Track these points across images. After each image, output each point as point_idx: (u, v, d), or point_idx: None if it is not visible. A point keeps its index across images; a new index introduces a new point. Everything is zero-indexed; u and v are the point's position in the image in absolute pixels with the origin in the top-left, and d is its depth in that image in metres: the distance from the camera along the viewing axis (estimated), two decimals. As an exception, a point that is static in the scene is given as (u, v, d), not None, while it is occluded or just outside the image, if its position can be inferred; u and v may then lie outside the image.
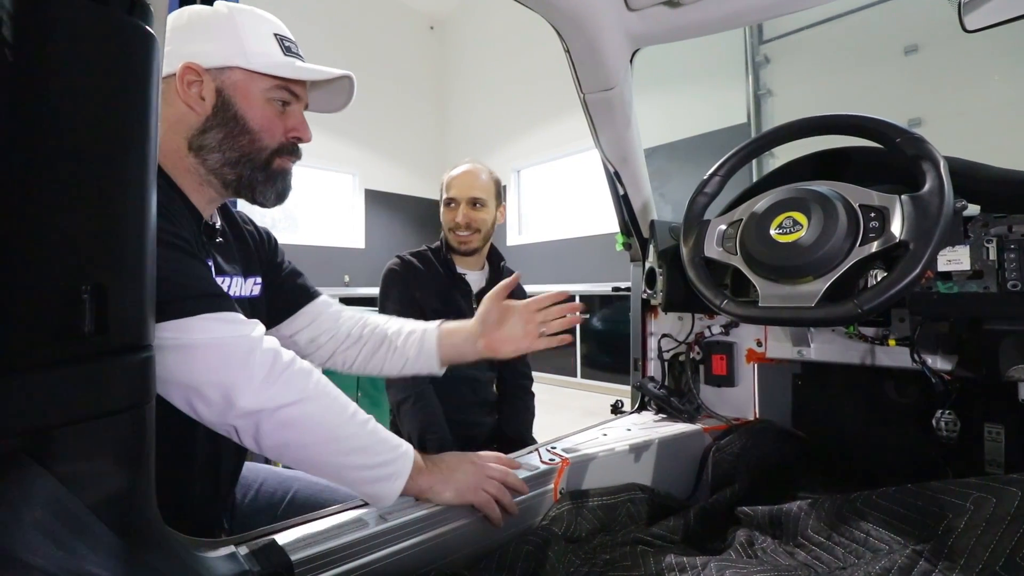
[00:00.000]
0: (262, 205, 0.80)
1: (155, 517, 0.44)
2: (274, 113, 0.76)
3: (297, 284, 0.96)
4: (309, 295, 0.97)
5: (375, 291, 1.48)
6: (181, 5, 1.29)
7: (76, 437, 0.37)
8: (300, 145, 0.80)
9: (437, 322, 1.00)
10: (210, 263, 0.76)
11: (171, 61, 0.70)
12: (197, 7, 0.74)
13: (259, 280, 0.89)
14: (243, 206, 1.09)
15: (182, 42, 0.71)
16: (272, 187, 0.78)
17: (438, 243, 1.52)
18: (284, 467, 1.20)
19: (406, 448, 0.71)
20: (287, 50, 0.75)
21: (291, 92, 0.76)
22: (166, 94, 0.71)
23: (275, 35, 0.75)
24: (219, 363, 0.60)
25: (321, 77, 0.78)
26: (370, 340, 0.99)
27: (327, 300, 1.00)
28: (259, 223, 0.97)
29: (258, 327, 0.65)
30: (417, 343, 0.98)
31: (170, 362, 0.58)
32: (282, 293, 0.93)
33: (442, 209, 1.50)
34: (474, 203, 1.44)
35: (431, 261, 1.48)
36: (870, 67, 3.38)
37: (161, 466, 0.47)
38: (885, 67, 3.31)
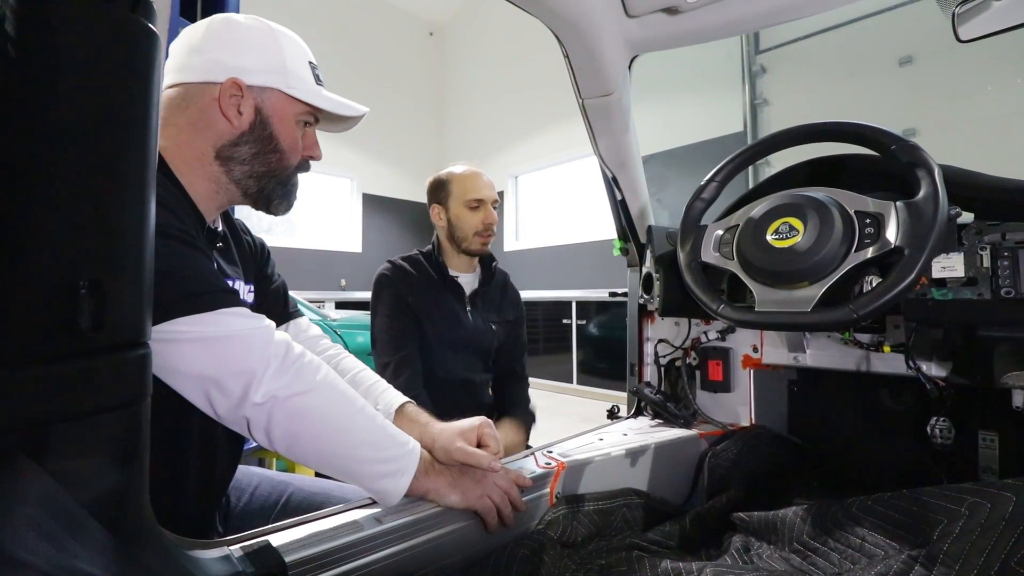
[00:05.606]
0: (274, 214, 0.83)
1: (148, 516, 0.44)
2: (299, 134, 0.79)
3: (283, 299, 0.97)
4: (291, 314, 0.98)
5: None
6: (182, 5, 1.30)
7: (71, 434, 0.37)
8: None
9: (403, 400, 0.92)
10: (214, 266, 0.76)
11: (212, 69, 0.71)
12: (236, 16, 0.75)
13: (252, 288, 0.90)
14: (240, 212, 1.09)
15: (225, 52, 0.72)
16: (286, 200, 0.82)
17: (429, 247, 1.50)
18: (278, 471, 1.19)
19: (413, 445, 0.72)
20: (317, 78, 0.79)
21: (315, 117, 0.81)
22: (197, 97, 0.72)
23: (309, 63, 0.78)
24: (241, 354, 0.61)
25: (351, 113, 0.82)
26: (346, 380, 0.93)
27: (308, 323, 1.00)
28: (256, 227, 0.97)
29: (267, 320, 0.67)
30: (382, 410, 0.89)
31: (192, 355, 0.59)
32: (267, 305, 0.94)
33: (459, 211, 1.42)
34: (494, 204, 1.46)
35: (423, 265, 1.47)
36: (865, 77, 3.42)
37: (154, 467, 0.47)
38: (880, 77, 3.35)
